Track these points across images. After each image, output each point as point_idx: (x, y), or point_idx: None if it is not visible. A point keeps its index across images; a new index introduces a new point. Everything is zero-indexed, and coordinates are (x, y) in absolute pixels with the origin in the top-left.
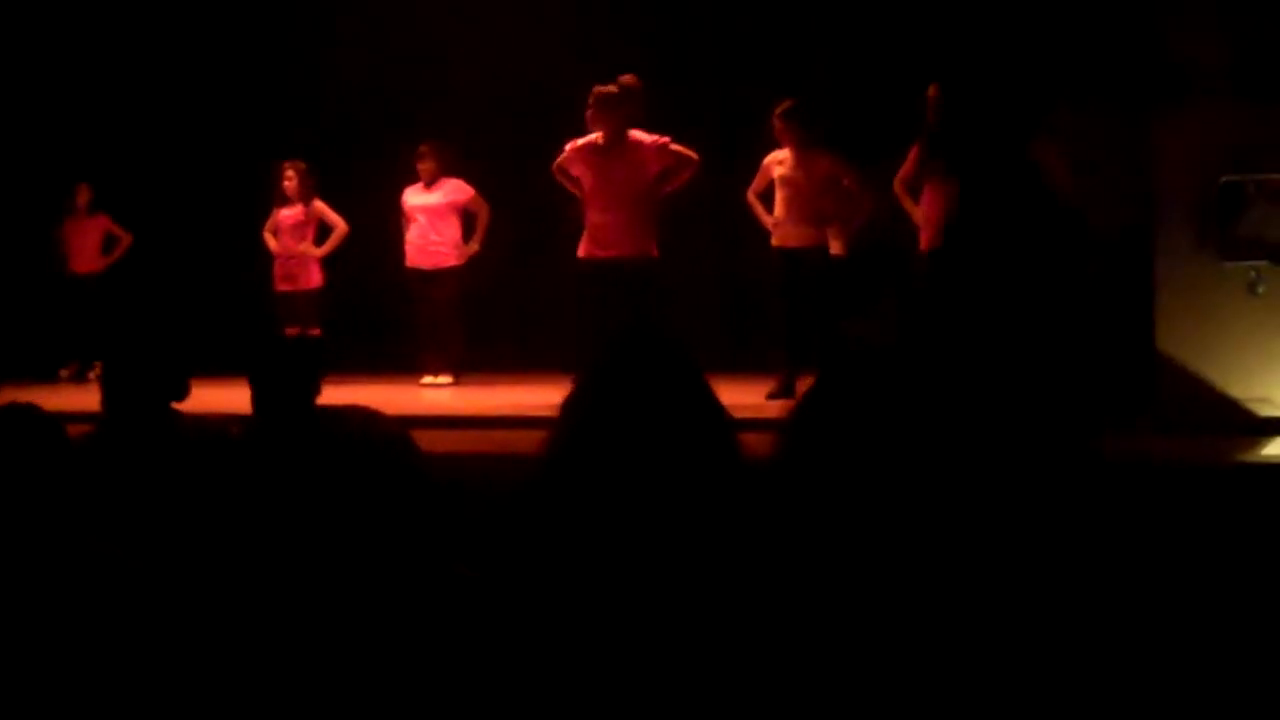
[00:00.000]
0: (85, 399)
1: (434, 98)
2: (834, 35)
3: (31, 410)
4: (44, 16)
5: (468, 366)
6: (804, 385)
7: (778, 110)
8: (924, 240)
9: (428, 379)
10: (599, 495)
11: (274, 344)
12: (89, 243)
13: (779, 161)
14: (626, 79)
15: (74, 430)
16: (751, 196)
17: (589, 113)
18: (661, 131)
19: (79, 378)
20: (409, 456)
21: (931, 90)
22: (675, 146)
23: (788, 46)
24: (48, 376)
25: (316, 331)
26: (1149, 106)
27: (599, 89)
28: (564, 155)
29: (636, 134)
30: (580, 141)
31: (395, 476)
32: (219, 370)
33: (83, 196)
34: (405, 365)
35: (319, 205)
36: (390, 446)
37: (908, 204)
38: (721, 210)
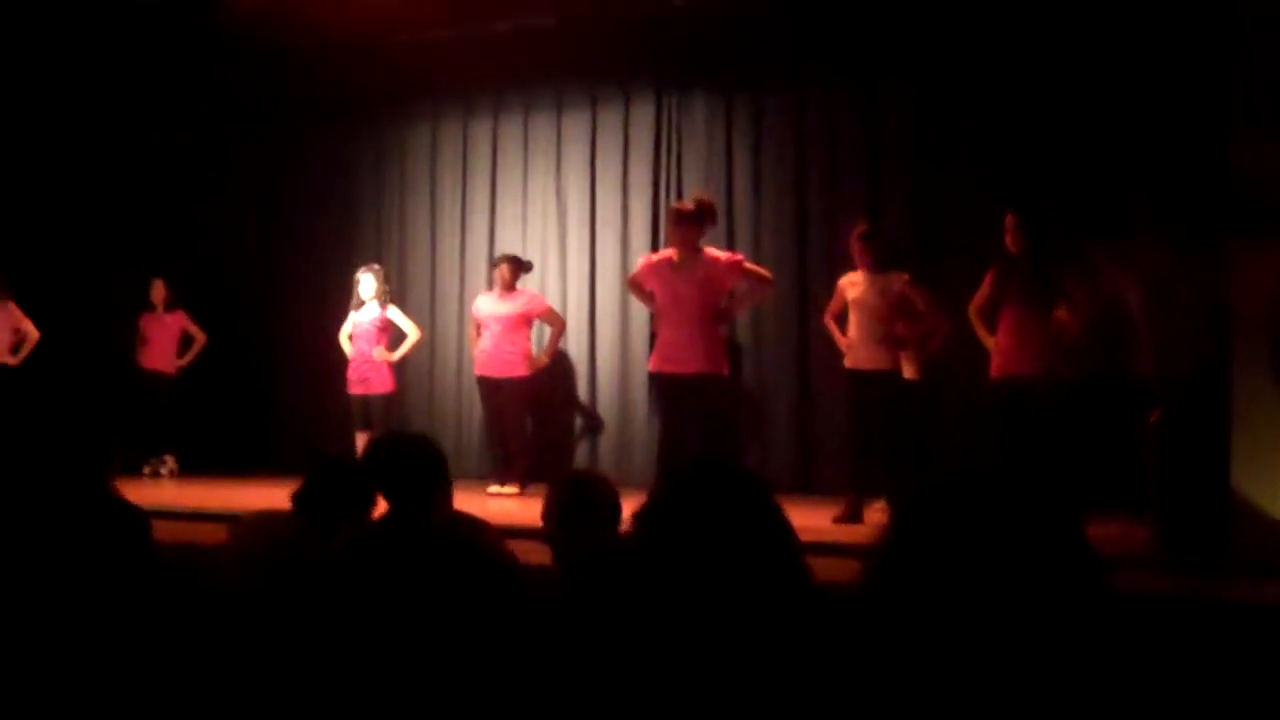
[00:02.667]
0: (163, 494)
1: (509, 208)
2: (911, 158)
3: (119, 503)
4: (128, 109)
5: (534, 476)
6: (871, 510)
7: (854, 232)
8: (994, 367)
9: (494, 488)
10: (669, 617)
11: (405, 447)
12: (165, 340)
13: (853, 283)
14: (700, 195)
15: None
16: (829, 319)
17: (666, 229)
18: (737, 250)
19: (155, 474)
20: (509, 570)
21: (1009, 218)
22: (749, 265)
23: (865, 166)
24: (131, 470)
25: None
26: (1223, 238)
27: (675, 205)
28: (639, 269)
29: (711, 251)
30: (655, 257)
31: (494, 588)
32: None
33: (158, 293)
34: (472, 473)
35: (394, 310)
36: (494, 561)
37: (982, 331)
38: (794, 330)
